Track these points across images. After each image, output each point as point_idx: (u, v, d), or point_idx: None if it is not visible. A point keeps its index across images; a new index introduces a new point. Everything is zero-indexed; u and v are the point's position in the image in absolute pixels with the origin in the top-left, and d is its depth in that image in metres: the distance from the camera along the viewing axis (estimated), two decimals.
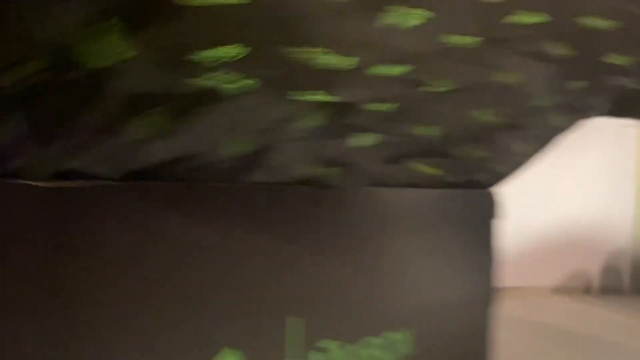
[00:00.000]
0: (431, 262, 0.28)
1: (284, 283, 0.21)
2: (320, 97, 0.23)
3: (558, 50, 0.29)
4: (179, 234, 0.23)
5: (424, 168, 0.28)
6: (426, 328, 0.28)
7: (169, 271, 0.22)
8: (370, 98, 0.26)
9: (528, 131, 0.31)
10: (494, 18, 0.26)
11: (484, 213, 0.33)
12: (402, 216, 0.24)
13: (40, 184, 0.22)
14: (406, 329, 0.27)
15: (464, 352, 0.30)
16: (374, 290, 0.25)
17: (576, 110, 0.30)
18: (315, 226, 0.22)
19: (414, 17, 0.22)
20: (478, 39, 0.25)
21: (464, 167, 0.32)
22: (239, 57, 0.27)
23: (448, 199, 0.29)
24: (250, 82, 0.27)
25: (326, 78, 0.25)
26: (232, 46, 0.26)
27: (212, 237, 0.19)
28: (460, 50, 0.26)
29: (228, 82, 0.30)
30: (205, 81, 0.30)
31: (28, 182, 0.19)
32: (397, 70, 0.24)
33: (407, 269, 0.26)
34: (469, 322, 0.31)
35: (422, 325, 0.28)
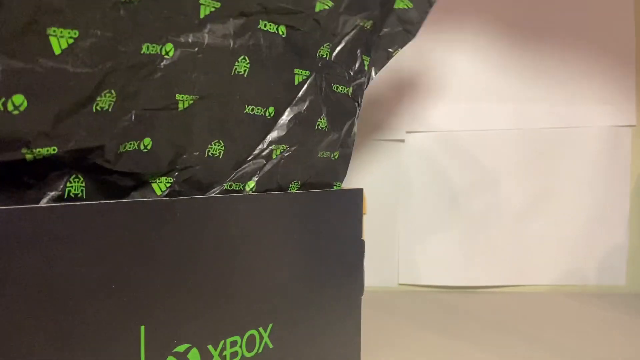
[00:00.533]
0: (304, 258, 0.28)
1: (139, 292, 0.20)
2: None
3: None
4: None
5: None
6: (288, 321, 0.28)
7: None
8: None
9: None
10: None
11: (356, 210, 0.34)
12: (275, 219, 0.24)
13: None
14: (267, 324, 0.28)
15: (332, 342, 0.30)
16: (237, 292, 0.24)
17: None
18: (167, 236, 0.21)
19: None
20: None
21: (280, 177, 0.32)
22: None
23: (322, 199, 0.29)
24: None
25: None
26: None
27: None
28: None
29: None
30: None
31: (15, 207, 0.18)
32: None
33: (279, 268, 0.26)
34: (341, 312, 0.32)
35: (282, 319, 0.28)
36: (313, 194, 0.34)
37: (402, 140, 0.65)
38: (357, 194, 0.40)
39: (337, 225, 0.36)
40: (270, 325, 0.32)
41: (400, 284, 0.66)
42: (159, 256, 0.25)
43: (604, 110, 0.63)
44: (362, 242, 0.40)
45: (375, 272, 0.66)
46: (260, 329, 0.31)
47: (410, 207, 0.66)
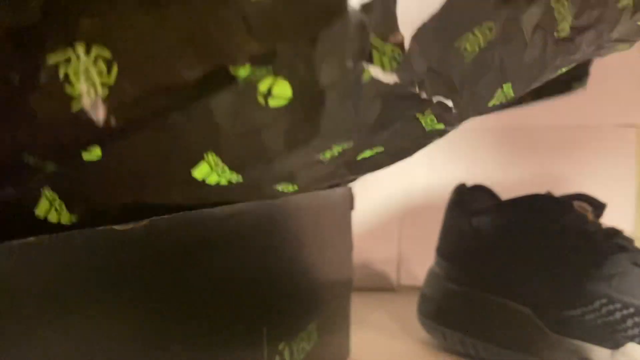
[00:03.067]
0: (316, 255, 0.28)
1: (252, 297, 0.21)
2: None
3: None
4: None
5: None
6: (323, 315, 0.29)
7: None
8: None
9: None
10: None
11: (346, 207, 0.35)
12: (292, 222, 0.25)
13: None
14: (314, 318, 0.29)
15: (331, 329, 0.31)
16: (295, 290, 0.25)
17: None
18: (263, 240, 0.22)
19: None
20: None
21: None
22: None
23: (319, 200, 0.29)
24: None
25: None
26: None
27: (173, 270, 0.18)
28: None
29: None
30: None
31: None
32: None
33: (307, 265, 0.27)
34: (337, 303, 0.33)
35: (321, 314, 0.29)
36: (320, 194, 0.35)
37: None
38: (347, 192, 0.40)
39: (330, 221, 0.37)
40: (317, 319, 0.34)
41: (400, 285, 0.66)
42: (271, 257, 0.27)
43: (609, 110, 0.61)
44: (351, 236, 0.40)
45: (376, 273, 0.66)
46: (312, 323, 0.33)
47: (412, 206, 0.65)
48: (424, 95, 0.20)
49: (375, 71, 0.17)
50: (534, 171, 0.63)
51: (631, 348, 0.34)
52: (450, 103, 0.21)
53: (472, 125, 0.63)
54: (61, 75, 0.12)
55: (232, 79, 0.14)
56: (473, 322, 0.41)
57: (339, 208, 0.38)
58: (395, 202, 0.66)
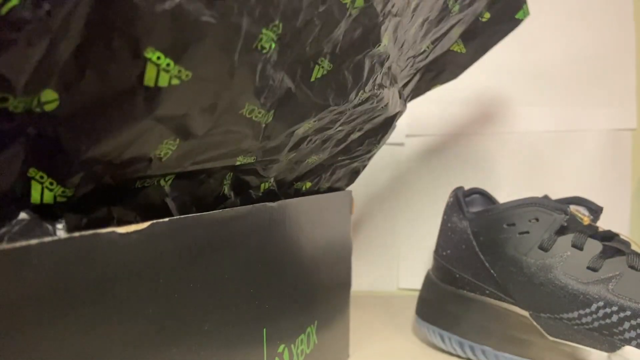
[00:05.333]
0: (315, 258, 0.28)
1: (263, 296, 0.21)
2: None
3: None
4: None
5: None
6: (323, 318, 0.30)
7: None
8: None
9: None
10: None
11: (346, 210, 0.35)
12: (292, 225, 0.25)
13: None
14: (314, 321, 0.29)
15: (330, 331, 0.31)
16: (295, 292, 0.25)
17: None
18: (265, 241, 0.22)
19: None
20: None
21: (333, 178, 0.32)
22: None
23: (321, 202, 0.29)
24: None
25: None
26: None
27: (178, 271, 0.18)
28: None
29: None
30: None
31: None
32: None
33: (307, 268, 0.27)
34: (336, 306, 0.33)
35: (320, 316, 0.29)
36: (320, 197, 0.35)
37: (402, 144, 0.65)
38: (347, 195, 0.40)
39: (331, 224, 0.37)
40: (316, 322, 0.34)
41: (399, 289, 0.66)
42: (272, 260, 0.27)
43: (604, 114, 0.62)
44: (350, 239, 0.41)
45: (375, 277, 0.66)
46: (312, 326, 0.33)
47: (410, 211, 0.65)
48: None
49: None
50: (531, 175, 0.64)
51: (628, 351, 0.34)
52: None
53: (469, 130, 0.64)
54: None
55: None
56: (470, 324, 0.42)
57: (339, 212, 0.38)
58: (394, 206, 0.66)
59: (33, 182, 0.17)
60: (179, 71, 0.18)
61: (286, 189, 0.31)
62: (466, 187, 0.49)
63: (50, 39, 0.15)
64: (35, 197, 0.17)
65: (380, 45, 0.26)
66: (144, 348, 0.18)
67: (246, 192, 0.27)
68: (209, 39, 0.18)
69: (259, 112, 0.23)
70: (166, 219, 0.19)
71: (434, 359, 0.43)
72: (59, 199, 0.17)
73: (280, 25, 0.20)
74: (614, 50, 0.62)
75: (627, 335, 0.34)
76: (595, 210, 0.42)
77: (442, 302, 0.44)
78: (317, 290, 0.34)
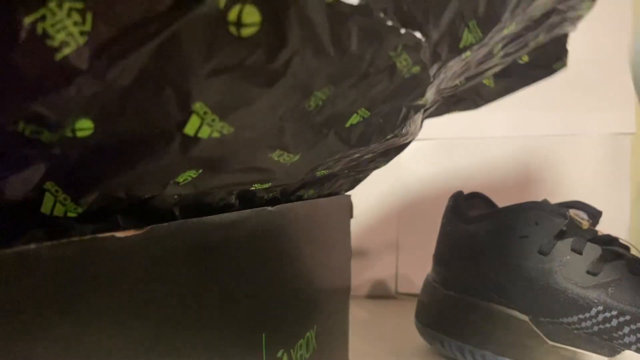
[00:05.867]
0: (315, 263, 0.28)
1: (261, 301, 0.21)
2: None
3: None
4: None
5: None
6: (322, 323, 0.30)
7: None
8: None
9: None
10: None
11: (346, 215, 0.35)
12: (292, 230, 0.25)
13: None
14: (313, 326, 0.29)
15: (329, 336, 0.31)
16: (296, 296, 0.25)
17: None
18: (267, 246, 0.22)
19: None
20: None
21: (335, 185, 0.33)
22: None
23: (320, 207, 0.29)
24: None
25: None
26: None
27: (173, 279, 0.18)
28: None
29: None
30: None
31: None
32: None
33: (306, 273, 0.27)
34: (335, 311, 0.33)
35: (320, 321, 0.29)
36: (320, 202, 0.35)
37: None
38: (346, 199, 0.40)
39: (330, 228, 0.37)
40: (315, 327, 0.34)
41: (399, 293, 0.66)
42: (271, 265, 0.27)
43: (603, 118, 0.62)
44: (350, 243, 0.41)
45: (374, 281, 0.66)
46: (311, 331, 0.33)
47: (410, 215, 0.65)
48: (390, 22, 0.20)
49: None
50: (530, 179, 0.64)
51: (628, 355, 0.34)
52: (419, 35, 0.21)
53: (469, 134, 0.64)
54: (39, 32, 0.13)
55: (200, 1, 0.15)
56: (470, 329, 0.42)
57: (338, 216, 0.38)
58: (393, 210, 0.66)
59: (47, 194, 0.17)
60: (222, 127, 0.18)
61: (289, 197, 0.31)
62: (465, 191, 0.49)
63: (101, 87, 0.15)
64: (46, 208, 0.17)
65: (422, 99, 0.26)
66: (142, 353, 0.18)
67: (251, 201, 0.27)
68: (261, 102, 0.18)
69: (288, 156, 0.23)
70: (165, 223, 0.19)
71: None
72: (69, 214, 0.17)
73: (332, 87, 0.21)
74: (613, 55, 0.62)
75: (626, 339, 0.34)
76: (595, 214, 0.42)
77: (441, 306, 0.44)
78: (317, 295, 0.34)
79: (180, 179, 0.20)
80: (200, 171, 0.20)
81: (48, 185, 0.16)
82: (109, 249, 0.16)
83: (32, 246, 0.14)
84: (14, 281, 0.13)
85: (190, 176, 0.20)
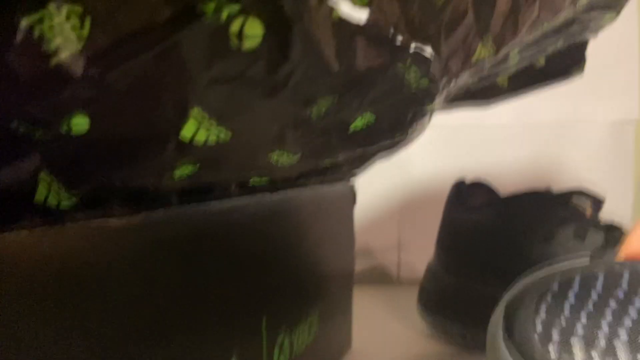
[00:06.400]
0: (318, 248, 0.28)
1: (260, 286, 0.21)
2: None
3: None
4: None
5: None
6: (325, 307, 0.30)
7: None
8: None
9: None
10: None
11: (349, 201, 0.35)
12: (295, 216, 0.25)
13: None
14: (316, 310, 0.29)
15: (333, 321, 0.32)
16: (298, 282, 0.25)
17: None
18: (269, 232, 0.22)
19: None
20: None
21: (339, 174, 0.33)
22: None
23: (324, 193, 0.29)
24: None
25: None
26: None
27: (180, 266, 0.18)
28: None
29: None
30: None
31: None
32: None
33: (309, 259, 0.27)
34: (339, 296, 0.33)
35: (323, 306, 0.30)
36: (323, 188, 0.35)
37: None
38: (350, 186, 0.40)
39: (334, 214, 0.37)
40: (318, 311, 0.34)
41: (400, 279, 0.66)
42: (272, 251, 0.27)
43: (607, 105, 0.62)
44: (353, 229, 0.41)
45: (376, 267, 0.66)
46: (312, 315, 0.33)
47: (412, 202, 0.66)
48: (399, 40, 0.20)
49: (345, 8, 0.17)
50: (534, 166, 0.64)
51: None
52: (429, 50, 0.21)
53: (471, 121, 0.64)
54: (36, 34, 0.13)
55: (201, 15, 0.15)
56: (473, 314, 0.42)
57: (342, 202, 0.38)
58: (395, 196, 0.66)
59: (41, 183, 0.17)
60: (220, 131, 0.18)
61: (289, 186, 0.31)
62: (468, 179, 0.49)
63: (96, 91, 0.14)
64: (39, 197, 0.17)
65: (431, 104, 0.26)
66: (138, 339, 0.18)
67: (250, 188, 0.27)
68: (262, 110, 0.18)
69: (288, 156, 0.23)
70: (161, 209, 0.19)
71: (435, 350, 0.43)
72: (62, 205, 0.17)
73: (336, 97, 0.20)
74: (617, 41, 0.61)
75: None
76: (597, 202, 0.42)
77: (444, 292, 0.44)
78: (320, 280, 0.35)
79: (177, 174, 0.20)
80: (198, 166, 0.20)
81: (43, 174, 0.16)
82: (103, 234, 0.16)
83: (26, 232, 0.14)
84: (10, 266, 0.13)
85: (187, 171, 0.20)
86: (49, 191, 0.17)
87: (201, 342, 0.21)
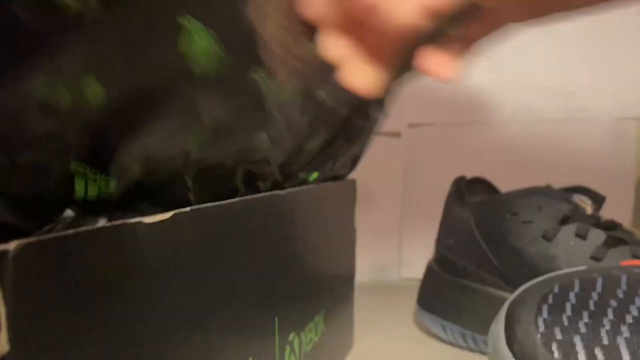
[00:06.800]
0: (322, 248, 0.29)
1: (266, 287, 0.22)
2: None
3: None
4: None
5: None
6: (330, 307, 0.31)
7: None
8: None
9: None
10: None
11: (350, 200, 0.36)
12: (305, 212, 0.25)
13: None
14: (322, 310, 0.30)
15: (336, 320, 0.32)
16: (305, 281, 0.26)
17: None
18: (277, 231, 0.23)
19: None
20: None
21: (336, 166, 0.33)
22: None
23: (326, 192, 0.29)
24: None
25: None
26: None
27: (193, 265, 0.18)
28: None
29: None
30: None
31: None
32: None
33: (315, 257, 0.28)
34: (342, 295, 0.34)
35: (328, 305, 0.30)
36: (326, 186, 0.35)
37: (398, 135, 0.64)
38: (351, 185, 0.40)
39: (336, 213, 0.37)
40: (323, 310, 0.34)
41: (402, 278, 0.66)
42: (282, 249, 0.27)
43: (608, 102, 0.61)
44: (354, 228, 0.41)
45: (377, 267, 0.66)
46: (319, 314, 0.33)
47: (413, 200, 0.65)
48: None
49: None
50: (534, 164, 0.63)
51: None
52: None
53: (471, 118, 0.63)
54: None
55: None
56: (473, 315, 0.42)
57: (344, 201, 0.38)
58: (396, 194, 0.66)
59: (76, 176, 0.17)
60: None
61: (292, 181, 0.31)
62: (468, 176, 0.48)
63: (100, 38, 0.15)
64: (79, 191, 0.17)
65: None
66: (166, 335, 0.18)
67: (255, 185, 0.27)
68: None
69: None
70: (187, 209, 0.19)
71: (435, 350, 0.43)
72: (102, 191, 0.17)
73: None
74: (619, 37, 0.61)
75: None
76: (598, 200, 0.42)
77: (443, 292, 0.44)
78: (325, 279, 0.34)
79: (193, 145, 0.20)
80: (210, 135, 0.21)
81: (74, 165, 0.16)
82: (138, 234, 0.16)
83: (70, 232, 0.14)
84: (48, 268, 0.13)
85: (199, 140, 0.20)
86: (87, 181, 0.17)
87: (220, 340, 0.21)
